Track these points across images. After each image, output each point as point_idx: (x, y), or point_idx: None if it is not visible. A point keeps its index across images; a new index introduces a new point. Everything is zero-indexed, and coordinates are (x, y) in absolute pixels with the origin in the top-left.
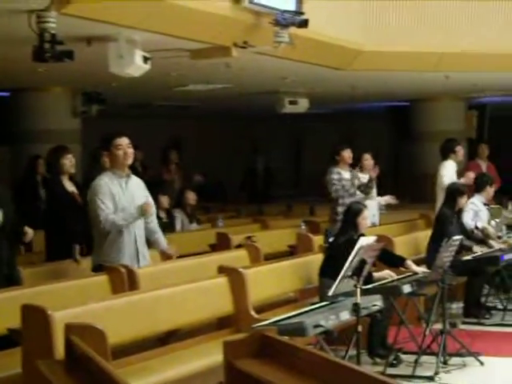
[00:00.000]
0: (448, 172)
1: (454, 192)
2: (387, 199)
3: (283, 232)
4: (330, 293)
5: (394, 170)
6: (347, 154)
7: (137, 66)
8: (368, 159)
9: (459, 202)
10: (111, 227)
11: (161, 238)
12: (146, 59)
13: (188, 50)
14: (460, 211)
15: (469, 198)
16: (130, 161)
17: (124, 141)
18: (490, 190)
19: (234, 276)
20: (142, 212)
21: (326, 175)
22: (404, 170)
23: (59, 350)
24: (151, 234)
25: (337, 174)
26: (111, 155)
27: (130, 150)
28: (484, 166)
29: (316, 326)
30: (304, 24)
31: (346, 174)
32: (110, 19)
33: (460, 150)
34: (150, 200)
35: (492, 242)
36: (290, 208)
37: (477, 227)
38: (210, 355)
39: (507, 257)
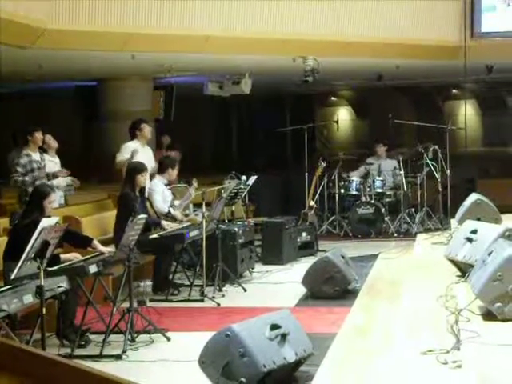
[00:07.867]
0: (124, 151)
1: (132, 170)
2: (68, 180)
3: None
4: (13, 276)
5: (85, 150)
6: (39, 136)
7: None
8: (51, 139)
9: (138, 180)
10: None
11: None
12: None
13: None
14: (143, 190)
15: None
16: None
17: None
18: (172, 173)
19: None
20: None
21: (14, 157)
22: (94, 150)
23: None
24: None
25: (26, 157)
26: None
27: None
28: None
29: None
30: None
31: (37, 156)
32: None
33: (145, 128)
34: None
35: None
36: None
37: (169, 212)
38: None
39: (192, 234)
